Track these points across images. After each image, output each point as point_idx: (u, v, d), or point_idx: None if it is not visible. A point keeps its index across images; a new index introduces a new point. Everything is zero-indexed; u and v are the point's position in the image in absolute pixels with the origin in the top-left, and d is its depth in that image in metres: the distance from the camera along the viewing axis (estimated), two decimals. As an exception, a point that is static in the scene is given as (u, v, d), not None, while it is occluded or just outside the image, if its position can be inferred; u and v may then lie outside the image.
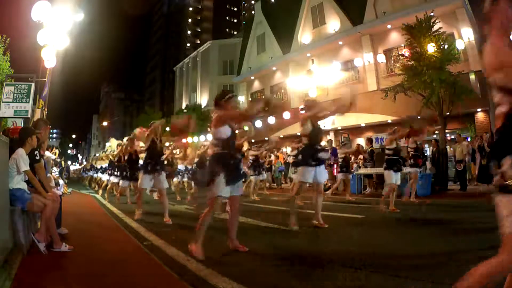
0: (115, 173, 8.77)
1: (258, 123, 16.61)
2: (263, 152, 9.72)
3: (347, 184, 9.02)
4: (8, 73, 9.06)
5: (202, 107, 27.21)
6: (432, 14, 10.75)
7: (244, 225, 4.45)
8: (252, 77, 24.36)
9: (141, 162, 6.41)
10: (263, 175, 9.83)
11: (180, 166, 10.77)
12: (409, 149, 7.51)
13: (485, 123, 12.82)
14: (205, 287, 2.29)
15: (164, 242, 3.64)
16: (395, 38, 15.43)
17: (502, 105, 1.39)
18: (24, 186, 3.32)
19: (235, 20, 67.21)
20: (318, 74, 16.08)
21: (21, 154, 3.27)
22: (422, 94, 10.06)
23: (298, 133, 15.46)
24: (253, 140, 17.73)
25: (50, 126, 4.64)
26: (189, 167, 9.73)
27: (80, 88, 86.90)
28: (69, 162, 41.19)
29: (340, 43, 18.14)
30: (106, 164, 11.06)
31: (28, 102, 6.88)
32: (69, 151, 65.61)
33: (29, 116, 6.84)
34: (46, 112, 8.78)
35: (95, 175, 15.24)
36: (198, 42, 53.72)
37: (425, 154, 10.03)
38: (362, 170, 10.47)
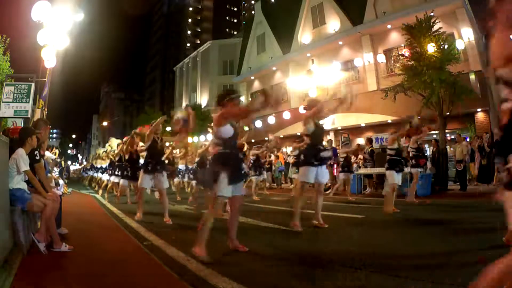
0: (116, 172, 8.76)
1: (258, 123, 16.62)
2: (264, 151, 9.73)
3: (347, 184, 9.03)
4: (8, 73, 9.06)
5: (202, 107, 27.19)
6: (432, 14, 10.74)
7: (244, 225, 4.45)
8: (252, 77, 24.36)
9: (141, 161, 6.40)
10: (263, 175, 9.83)
11: (181, 166, 10.77)
12: (410, 149, 7.51)
13: (485, 123, 12.82)
14: (205, 287, 2.29)
15: (164, 242, 3.63)
16: (395, 38, 15.43)
17: (509, 101, 1.38)
18: (24, 186, 3.32)
19: (235, 20, 67.21)
20: (318, 74, 16.07)
21: (21, 154, 3.27)
22: (422, 94, 10.06)
23: (298, 133, 15.46)
24: (253, 140, 17.77)
25: (50, 126, 4.63)
26: (190, 166, 9.73)
27: (80, 88, 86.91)
28: (69, 162, 41.23)
29: (340, 43, 18.14)
30: (107, 164, 11.06)
31: (28, 102, 6.89)
32: (69, 151, 65.60)
33: (29, 116, 6.84)
34: (46, 112, 8.78)
35: (95, 175, 15.24)
36: (198, 42, 53.72)
37: (425, 154, 10.03)
38: (362, 170, 10.47)
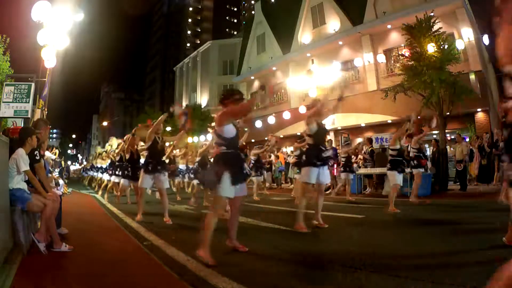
0: (117, 172, 8.74)
1: (258, 123, 16.61)
2: (266, 149, 9.73)
3: (347, 184, 9.03)
4: (8, 73, 9.06)
5: (202, 107, 27.20)
6: (432, 14, 10.74)
7: (244, 225, 4.45)
8: (252, 77, 24.36)
9: (142, 161, 6.39)
10: (264, 175, 9.84)
11: (181, 166, 10.76)
12: (412, 150, 7.52)
13: (485, 123, 12.83)
14: (205, 287, 2.29)
15: (164, 242, 3.63)
16: (395, 38, 15.43)
17: None
18: (24, 186, 3.32)
19: (235, 20, 67.23)
20: (318, 74, 16.07)
21: (21, 154, 3.27)
22: (422, 94, 10.06)
23: (298, 133, 15.46)
24: (253, 140, 17.77)
25: (50, 126, 4.63)
26: (191, 166, 9.73)
27: (80, 88, 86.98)
28: (69, 162, 41.22)
29: (340, 43, 18.14)
30: (107, 164, 11.04)
31: (28, 102, 6.89)
32: (69, 151, 65.57)
33: (29, 116, 6.84)
34: (46, 112, 8.79)
35: (95, 174, 15.23)
36: (198, 42, 53.74)
37: (426, 154, 10.05)
38: (362, 170, 10.47)
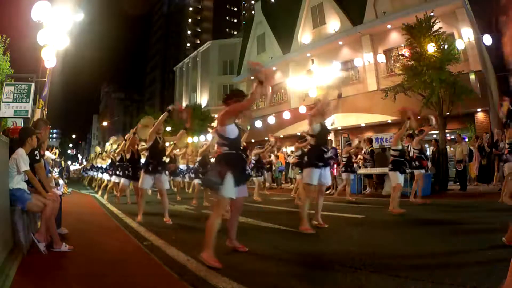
0: (117, 172, 8.72)
1: (258, 123, 16.61)
2: (267, 149, 9.72)
3: (347, 184, 9.03)
4: (8, 73, 9.06)
5: (202, 107, 27.20)
6: (432, 14, 10.74)
7: (244, 225, 4.45)
8: (252, 77, 24.32)
9: (142, 161, 6.37)
10: (264, 175, 9.83)
11: (182, 166, 10.75)
12: (414, 151, 7.52)
13: (485, 123, 12.83)
14: (205, 287, 2.29)
15: (164, 242, 3.63)
16: (395, 38, 15.42)
17: None
18: (24, 186, 3.31)
19: (235, 20, 67.24)
20: (318, 74, 16.07)
21: (21, 154, 3.27)
22: (422, 94, 10.06)
23: (298, 133, 15.47)
24: (253, 140, 17.77)
25: (50, 126, 4.63)
26: (191, 166, 9.72)
27: (80, 88, 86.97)
28: (69, 162, 41.23)
29: (340, 43, 18.14)
30: (107, 164, 11.03)
31: (28, 102, 6.89)
32: (69, 151, 65.57)
33: (29, 116, 6.84)
34: (46, 112, 8.80)
35: (95, 174, 15.22)
36: (198, 42, 53.73)
37: (426, 154, 10.06)
38: (362, 170, 10.47)
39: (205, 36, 55.57)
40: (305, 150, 5.70)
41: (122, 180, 7.74)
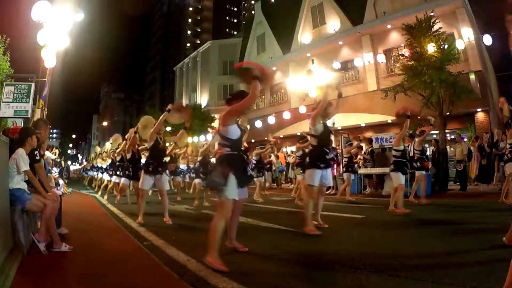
0: (117, 173, 8.72)
1: (258, 123, 16.61)
2: (268, 149, 9.73)
3: (347, 184, 9.02)
4: (8, 73, 9.05)
5: (202, 107, 27.20)
6: (432, 14, 10.75)
7: (244, 225, 4.45)
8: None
9: (143, 161, 6.37)
10: (265, 175, 9.83)
11: (182, 166, 10.75)
12: (415, 152, 7.52)
13: (485, 123, 12.83)
14: (205, 287, 2.29)
15: (164, 242, 3.63)
16: (395, 38, 15.43)
17: None
18: (24, 186, 3.31)
19: (235, 20, 67.25)
20: (318, 74, 16.06)
21: (21, 154, 3.27)
22: (422, 94, 10.07)
23: (298, 133, 15.47)
24: (253, 140, 17.77)
25: (50, 126, 4.63)
26: (191, 166, 9.72)
27: (80, 88, 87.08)
28: (69, 162, 41.23)
29: (340, 43, 18.15)
30: (107, 164, 11.03)
31: (28, 102, 6.88)
32: (69, 151, 65.60)
33: (29, 116, 6.84)
34: (46, 112, 8.79)
35: (95, 174, 15.22)
36: (198, 42, 53.75)
37: (426, 154, 10.06)
38: (362, 170, 10.47)
39: (205, 36, 55.60)
40: (307, 150, 5.68)
41: (123, 179, 7.74)
